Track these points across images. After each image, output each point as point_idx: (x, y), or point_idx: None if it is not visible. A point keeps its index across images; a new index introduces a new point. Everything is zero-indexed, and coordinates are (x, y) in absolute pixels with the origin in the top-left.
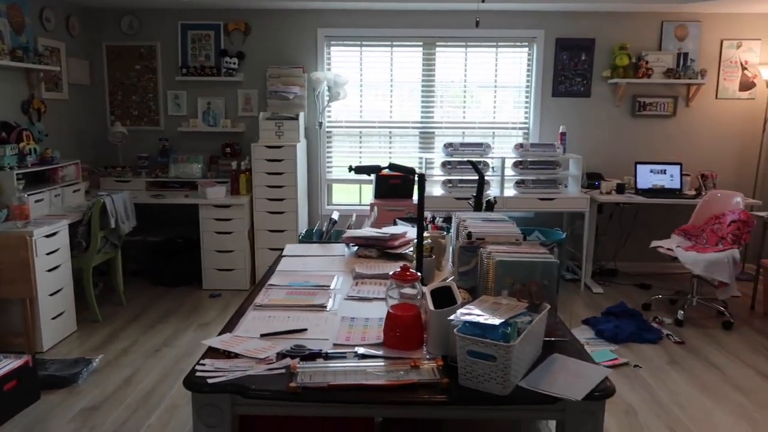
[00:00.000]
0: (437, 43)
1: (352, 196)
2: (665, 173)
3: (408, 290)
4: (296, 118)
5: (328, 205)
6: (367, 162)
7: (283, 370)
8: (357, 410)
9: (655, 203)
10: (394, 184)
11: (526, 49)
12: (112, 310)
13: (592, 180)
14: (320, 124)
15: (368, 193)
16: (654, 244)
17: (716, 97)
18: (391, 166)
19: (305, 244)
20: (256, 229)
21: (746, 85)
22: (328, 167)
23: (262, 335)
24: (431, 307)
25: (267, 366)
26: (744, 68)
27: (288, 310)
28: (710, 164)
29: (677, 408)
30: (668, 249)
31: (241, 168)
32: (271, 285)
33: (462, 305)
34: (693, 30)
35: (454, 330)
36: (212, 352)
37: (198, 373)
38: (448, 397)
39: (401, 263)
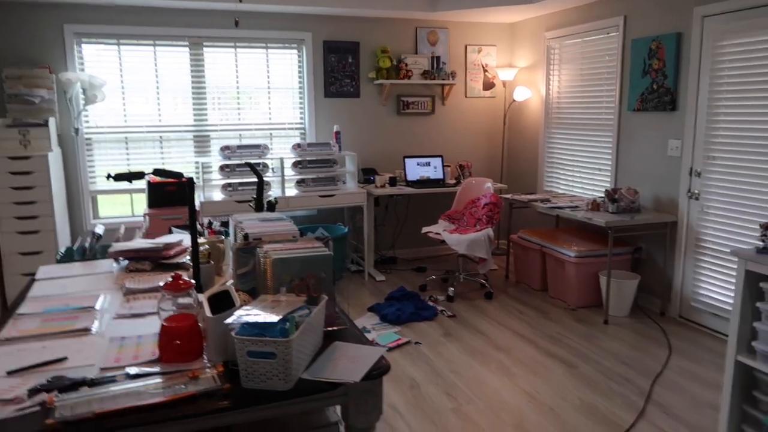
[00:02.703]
0: (204, 44)
1: (124, 207)
2: (430, 165)
3: (184, 300)
4: (45, 125)
5: (94, 218)
6: (137, 169)
7: (38, 408)
8: None
9: (423, 193)
10: (170, 191)
11: (296, 50)
12: None
13: (367, 175)
14: (77, 130)
15: (141, 202)
16: (424, 230)
17: (466, 96)
18: (156, 172)
19: (65, 264)
20: (4, 253)
21: (488, 85)
22: (92, 177)
23: (9, 372)
24: (208, 313)
25: (16, 407)
26: (485, 70)
27: (43, 340)
28: (466, 155)
29: (453, 375)
30: (436, 233)
31: None
32: (20, 314)
33: (240, 307)
34: (442, 36)
35: (233, 333)
36: None
37: None
38: (231, 402)
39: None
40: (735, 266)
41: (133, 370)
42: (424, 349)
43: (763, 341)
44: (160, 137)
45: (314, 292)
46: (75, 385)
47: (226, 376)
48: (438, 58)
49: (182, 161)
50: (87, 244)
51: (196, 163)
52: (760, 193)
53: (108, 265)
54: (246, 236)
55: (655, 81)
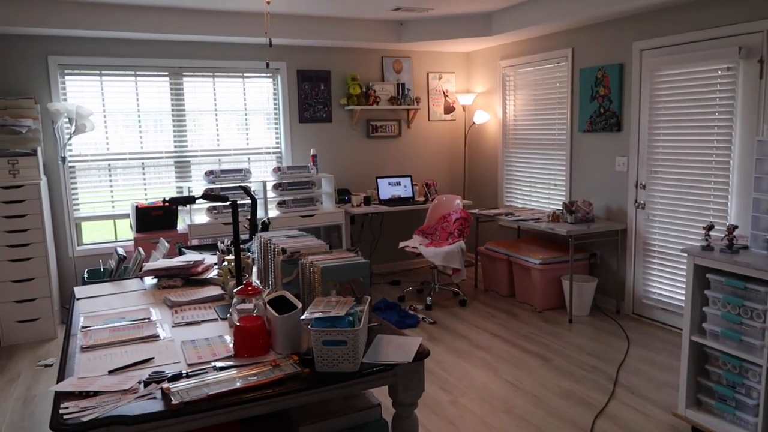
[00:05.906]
0: (184, 73)
1: (107, 233)
2: (400, 184)
3: (243, 306)
4: (34, 154)
5: (78, 245)
6: (119, 196)
7: (155, 395)
8: (241, 412)
9: (395, 210)
10: (157, 216)
11: (271, 79)
12: None
13: (342, 195)
14: (63, 158)
15: (124, 228)
16: (402, 244)
17: (429, 120)
18: (205, 196)
19: (96, 285)
20: None
21: (448, 109)
22: (75, 205)
23: (111, 371)
24: (275, 314)
25: (135, 395)
26: (446, 96)
27: (121, 346)
28: (431, 174)
29: (444, 372)
30: (413, 247)
31: None
32: (85, 328)
33: (303, 308)
34: (406, 64)
35: (308, 326)
36: (66, 397)
37: (66, 416)
38: (312, 383)
39: (209, 287)
40: (679, 265)
41: (219, 364)
42: None
43: (711, 322)
44: (142, 163)
45: (358, 293)
46: (175, 377)
47: (302, 363)
48: (403, 84)
49: (164, 186)
50: (112, 266)
51: (179, 187)
52: (696, 201)
53: (135, 283)
54: (284, 251)
55: (601, 105)
